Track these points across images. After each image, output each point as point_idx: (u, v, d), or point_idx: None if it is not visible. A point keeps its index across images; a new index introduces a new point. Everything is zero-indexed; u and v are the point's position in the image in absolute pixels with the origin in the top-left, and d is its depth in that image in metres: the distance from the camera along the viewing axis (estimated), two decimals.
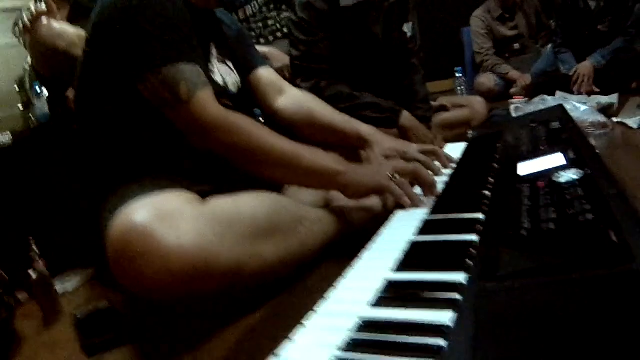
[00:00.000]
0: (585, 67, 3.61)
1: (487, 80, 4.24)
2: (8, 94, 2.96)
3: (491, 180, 1.15)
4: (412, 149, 1.48)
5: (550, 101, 2.36)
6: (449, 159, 1.47)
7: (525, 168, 1.13)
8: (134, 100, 1.27)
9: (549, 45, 4.10)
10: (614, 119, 2.43)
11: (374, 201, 1.39)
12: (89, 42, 1.35)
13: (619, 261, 0.60)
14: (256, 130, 1.27)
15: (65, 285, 1.83)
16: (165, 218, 1.01)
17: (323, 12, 2.16)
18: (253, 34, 3.13)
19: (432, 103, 2.48)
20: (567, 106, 2.29)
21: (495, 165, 1.26)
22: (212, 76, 1.47)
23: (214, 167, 1.32)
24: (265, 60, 2.77)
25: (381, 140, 1.56)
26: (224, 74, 1.54)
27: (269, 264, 1.14)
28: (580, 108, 2.30)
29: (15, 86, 2.67)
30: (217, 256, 1.04)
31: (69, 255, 1.90)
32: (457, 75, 3.82)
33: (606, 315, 0.52)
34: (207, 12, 1.53)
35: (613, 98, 2.79)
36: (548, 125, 1.52)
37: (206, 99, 1.25)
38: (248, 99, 1.64)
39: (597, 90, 3.50)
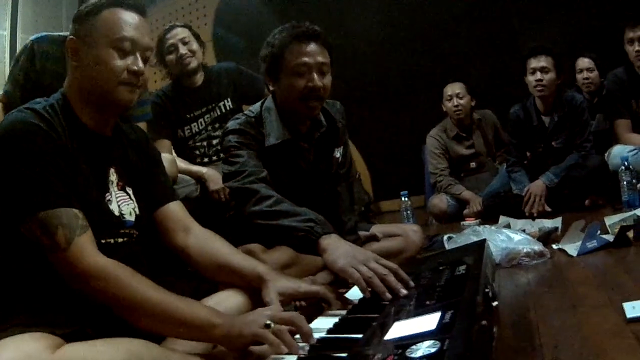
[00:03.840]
0: (537, 186, 3.57)
1: (439, 201, 4.17)
2: None
3: (357, 340, 1.12)
4: (305, 285, 1.53)
5: (482, 233, 2.27)
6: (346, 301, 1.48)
7: (396, 330, 1.08)
8: (19, 236, 1.30)
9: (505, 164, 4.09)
10: (555, 246, 2.36)
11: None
12: None
13: None
14: (132, 282, 1.28)
15: None
16: None
17: (255, 137, 2.12)
18: (197, 152, 3.16)
19: (363, 233, 2.38)
20: (500, 236, 2.24)
21: (373, 323, 1.20)
22: (108, 205, 1.48)
23: (88, 308, 1.31)
24: (199, 182, 2.78)
25: (277, 279, 1.53)
26: (121, 202, 1.53)
27: None
28: (514, 238, 2.21)
29: None
30: None
31: None
32: (403, 199, 3.77)
33: None
34: (106, 137, 1.53)
35: (557, 222, 2.71)
36: (455, 269, 1.46)
37: (84, 246, 1.28)
38: (148, 226, 1.63)
39: (549, 209, 3.47)
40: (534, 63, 3.61)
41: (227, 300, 1.54)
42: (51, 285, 1.31)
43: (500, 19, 5.03)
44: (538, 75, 3.59)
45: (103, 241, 1.42)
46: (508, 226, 2.74)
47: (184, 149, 3.18)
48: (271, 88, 2.18)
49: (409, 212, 3.69)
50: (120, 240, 1.49)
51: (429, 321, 1.04)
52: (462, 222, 3.48)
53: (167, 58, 3.13)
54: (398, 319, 1.15)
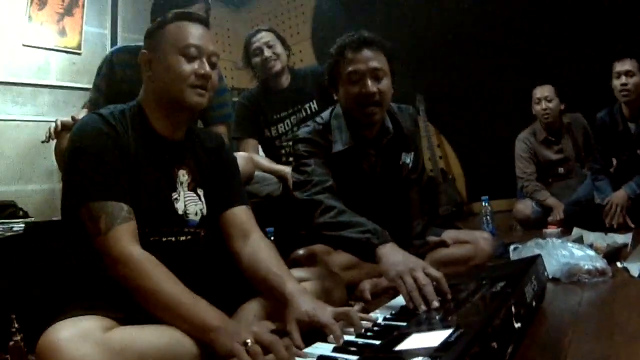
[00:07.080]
0: (619, 197, 3.49)
1: (524, 206, 4.16)
2: None
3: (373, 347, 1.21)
4: (326, 313, 1.45)
5: (543, 246, 2.27)
6: (359, 324, 1.45)
7: (409, 342, 1.16)
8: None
9: None
10: (620, 264, 2.26)
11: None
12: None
13: None
14: (152, 272, 1.43)
15: None
16: (75, 340, 1.23)
17: (322, 145, 2.23)
18: (283, 151, 3.29)
19: (433, 238, 2.43)
20: (563, 251, 2.23)
21: (394, 332, 1.28)
22: (174, 204, 1.65)
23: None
24: (282, 180, 2.92)
25: (299, 304, 1.52)
26: (188, 201, 1.69)
27: None
28: (577, 254, 2.19)
29: None
30: None
31: None
32: (483, 204, 3.76)
33: None
34: (176, 141, 1.71)
35: (627, 238, 2.65)
36: (493, 285, 1.52)
37: (121, 234, 1.45)
38: (214, 227, 1.77)
39: (630, 223, 3.38)
40: (619, 67, 3.48)
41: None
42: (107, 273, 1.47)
43: (592, 19, 4.82)
44: (623, 79, 3.45)
45: (164, 239, 1.61)
46: (580, 238, 2.69)
47: (271, 148, 3.33)
48: (335, 97, 2.28)
49: (488, 217, 3.69)
50: (182, 238, 1.65)
51: (437, 337, 1.09)
52: (544, 230, 3.45)
53: (253, 61, 3.27)
54: (418, 331, 1.22)
